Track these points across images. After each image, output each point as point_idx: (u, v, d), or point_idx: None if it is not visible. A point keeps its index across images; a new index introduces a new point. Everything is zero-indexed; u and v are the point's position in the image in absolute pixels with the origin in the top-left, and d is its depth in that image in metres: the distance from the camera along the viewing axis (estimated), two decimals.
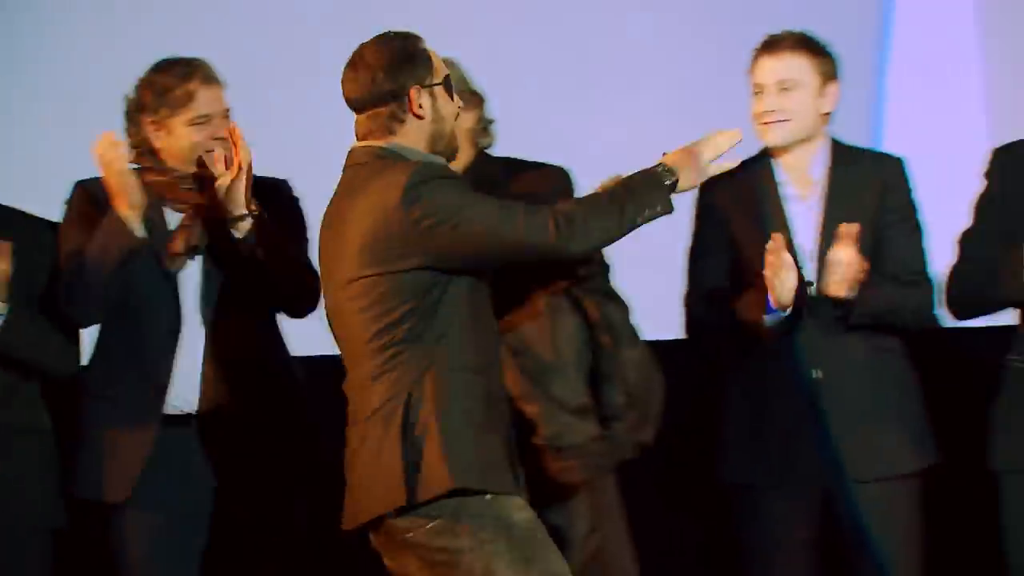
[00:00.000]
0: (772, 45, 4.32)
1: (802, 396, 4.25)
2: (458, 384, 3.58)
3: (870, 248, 4.26)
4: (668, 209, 3.63)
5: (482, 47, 4.54)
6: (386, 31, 3.72)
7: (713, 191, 4.29)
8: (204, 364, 4.11)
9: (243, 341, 4.16)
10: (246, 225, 4.00)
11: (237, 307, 4.14)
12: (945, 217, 4.32)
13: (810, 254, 4.32)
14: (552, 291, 3.97)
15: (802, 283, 4.21)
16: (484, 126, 4.26)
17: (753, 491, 4.33)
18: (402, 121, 3.66)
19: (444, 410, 3.56)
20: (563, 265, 3.88)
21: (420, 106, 3.66)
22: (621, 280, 4.15)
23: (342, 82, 3.70)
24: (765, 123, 4.28)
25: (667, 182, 3.62)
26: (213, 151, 4.04)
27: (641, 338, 4.00)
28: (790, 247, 4.20)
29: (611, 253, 4.01)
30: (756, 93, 4.31)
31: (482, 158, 4.26)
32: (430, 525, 3.55)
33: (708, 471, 4.45)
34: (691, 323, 4.41)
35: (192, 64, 4.13)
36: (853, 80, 4.64)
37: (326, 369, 4.31)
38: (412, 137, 3.70)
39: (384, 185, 3.60)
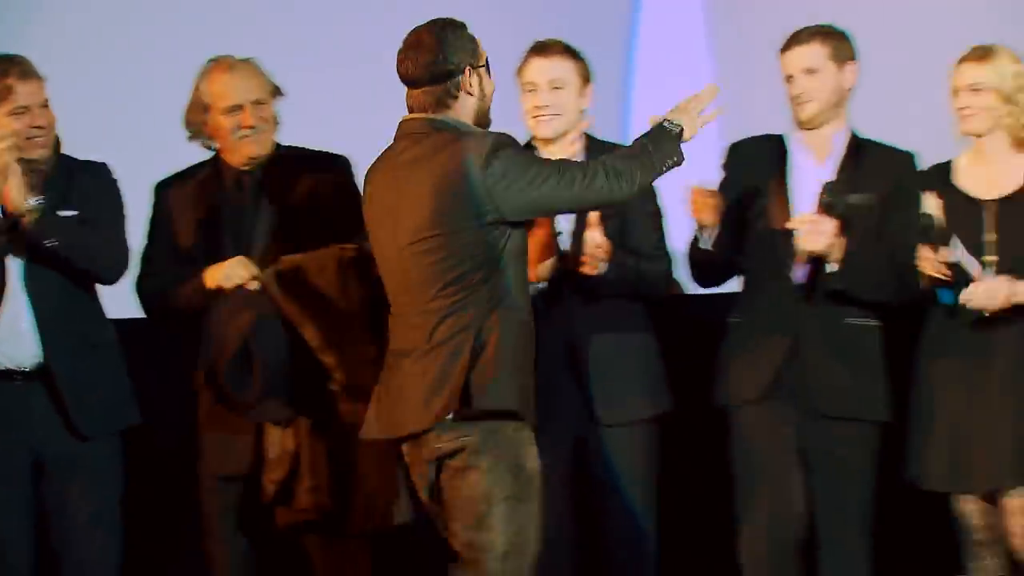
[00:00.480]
0: (543, 49, 4.83)
1: (560, 354, 4.79)
2: (514, 323, 4.13)
3: (618, 230, 4.82)
4: (682, 158, 4.22)
5: None
6: (437, 18, 4.21)
7: None
8: (25, 324, 4.63)
9: (61, 303, 4.66)
10: (29, 218, 4.51)
11: (51, 276, 4.64)
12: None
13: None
14: (342, 252, 4.54)
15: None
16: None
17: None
18: (455, 97, 4.15)
19: (503, 345, 4.09)
20: (350, 230, 4.47)
21: (471, 84, 4.17)
22: None
23: (399, 61, 4.16)
24: (536, 117, 4.77)
25: (677, 133, 4.20)
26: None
27: None
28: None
29: None
30: (529, 91, 4.80)
31: (278, 148, 4.81)
32: (461, 440, 4.07)
33: None
34: None
35: (12, 60, 4.68)
36: (604, 81, 5.09)
37: (138, 329, 4.89)
38: (462, 112, 4.18)
39: (455, 152, 4.07)
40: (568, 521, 4.81)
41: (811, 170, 4.84)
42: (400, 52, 4.19)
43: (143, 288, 4.82)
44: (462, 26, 4.22)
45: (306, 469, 4.56)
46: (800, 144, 4.87)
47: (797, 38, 4.79)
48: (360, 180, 4.44)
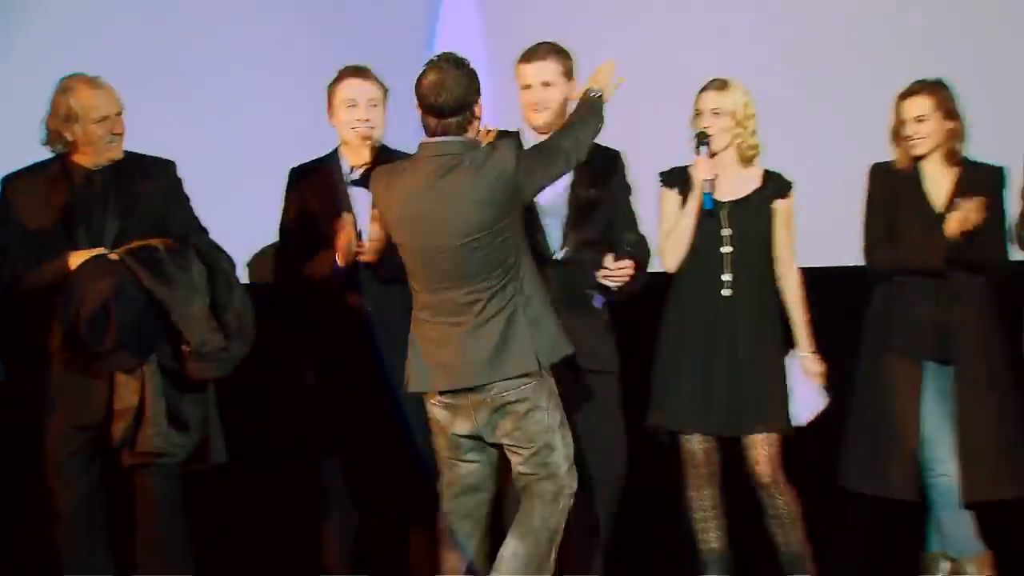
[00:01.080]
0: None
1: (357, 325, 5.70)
2: (539, 292, 5.14)
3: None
4: (603, 123, 5.20)
5: None
6: (453, 54, 5.10)
7: None
8: None
9: None
10: None
11: None
12: None
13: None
14: (176, 245, 5.38)
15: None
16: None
17: None
18: (471, 123, 5.09)
19: (540, 310, 5.10)
20: (182, 225, 5.33)
21: (479, 111, 5.12)
22: None
23: (427, 93, 5.03)
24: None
25: (600, 98, 5.22)
26: None
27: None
28: None
29: None
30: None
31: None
32: (524, 386, 5.07)
33: None
34: None
35: None
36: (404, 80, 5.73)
37: None
38: (471, 132, 5.13)
39: (492, 163, 5.00)
40: None
41: None
42: (428, 85, 5.03)
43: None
44: (470, 63, 5.13)
45: (149, 416, 5.31)
46: None
47: (536, 54, 5.54)
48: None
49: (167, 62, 6.43)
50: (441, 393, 5.11)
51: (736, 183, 5.89)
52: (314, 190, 5.81)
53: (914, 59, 6.28)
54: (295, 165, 5.89)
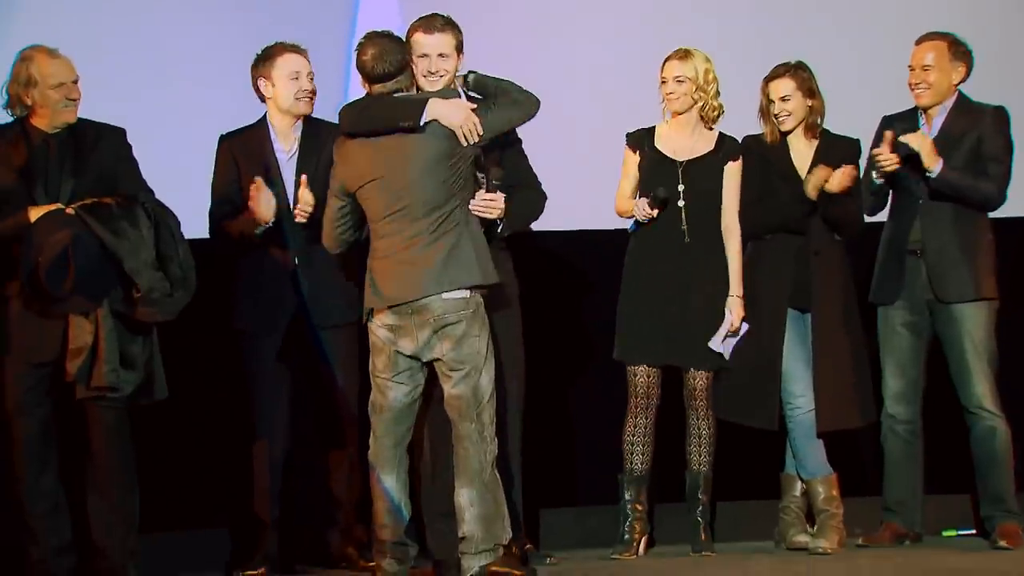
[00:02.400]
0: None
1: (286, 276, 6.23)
2: (476, 220, 5.66)
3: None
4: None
5: None
6: (383, 30, 5.64)
7: None
8: None
9: None
10: None
11: None
12: None
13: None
14: (126, 202, 5.81)
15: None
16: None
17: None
18: (413, 80, 5.67)
19: (479, 235, 5.61)
20: (130, 185, 5.82)
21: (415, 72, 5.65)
22: None
23: (371, 64, 5.59)
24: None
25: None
26: None
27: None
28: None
29: None
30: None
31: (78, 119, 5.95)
32: (463, 311, 5.56)
33: None
34: None
35: None
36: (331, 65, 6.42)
37: None
38: (414, 91, 5.64)
39: None
40: None
41: None
42: (368, 57, 5.61)
43: None
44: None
45: (103, 355, 5.73)
46: None
47: (434, 25, 5.89)
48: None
49: (109, 37, 6.79)
50: (390, 310, 5.60)
51: (694, 143, 6.44)
52: (242, 154, 6.24)
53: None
54: (224, 132, 6.33)
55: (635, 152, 6.49)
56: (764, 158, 6.53)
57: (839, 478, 6.54)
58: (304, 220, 6.14)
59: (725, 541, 6.64)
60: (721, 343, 6.39)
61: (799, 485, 6.58)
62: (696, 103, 6.40)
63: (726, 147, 6.45)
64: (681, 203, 6.38)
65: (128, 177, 5.99)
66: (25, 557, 6.02)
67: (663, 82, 6.42)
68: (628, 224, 6.50)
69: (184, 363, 6.27)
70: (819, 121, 6.53)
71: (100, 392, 5.82)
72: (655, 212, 6.34)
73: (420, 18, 5.92)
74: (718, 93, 6.40)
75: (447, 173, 5.60)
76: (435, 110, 5.59)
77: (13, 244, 5.80)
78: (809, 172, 6.47)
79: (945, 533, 6.90)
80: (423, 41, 5.87)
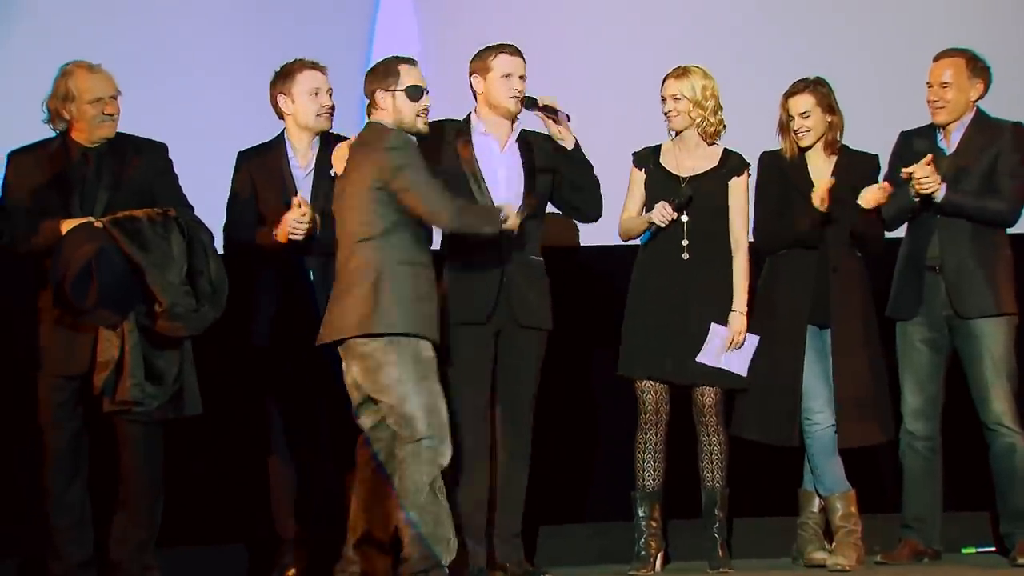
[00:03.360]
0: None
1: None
2: (417, 269, 5.72)
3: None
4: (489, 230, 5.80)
5: None
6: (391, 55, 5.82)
7: None
8: None
9: None
10: None
11: None
12: None
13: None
14: (159, 216, 5.88)
15: None
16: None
17: None
18: (377, 108, 5.78)
19: (407, 283, 5.67)
20: (168, 200, 5.89)
21: (384, 102, 5.77)
22: None
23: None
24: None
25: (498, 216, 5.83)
26: None
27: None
28: None
29: None
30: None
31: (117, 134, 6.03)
32: (373, 344, 5.65)
33: None
34: None
35: None
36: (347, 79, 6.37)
37: None
38: (385, 118, 5.76)
39: (378, 150, 5.70)
40: None
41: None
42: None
43: (0, 233, 5.91)
44: (395, 60, 5.84)
45: (127, 369, 5.78)
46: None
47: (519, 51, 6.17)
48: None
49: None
50: None
51: (696, 159, 6.47)
52: (259, 172, 6.28)
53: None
54: (242, 149, 6.36)
55: (640, 170, 6.53)
56: (783, 173, 6.56)
57: (857, 494, 6.55)
58: (299, 238, 6.15)
59: (741, 557, 6.64)
60: (721, 358, 6.39)
61: (817, 501, 6.59)
62: (694, 121, 6.43)
63: (730, 163, 6.48)
64: (684, 219, 6.40)
65: (166, 192, 6.07)
66: (46, 571, 6.07)
67: (663, 100, 6.47)
68: (638, 241, 6.52)
69: (201, 378, 6.21)
70: (838, 137, 6.55)
71: (125, 406, 5.85)
72: (675, 215, 6.34)
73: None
74: (719, 109, 6.43)
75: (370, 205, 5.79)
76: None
77: (45, 257, 5.88)
78: (834, 193, 6.45)
79: (964, 550, 6.90)
80: (509, 62, 6.15)
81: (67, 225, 5.88)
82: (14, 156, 6.06)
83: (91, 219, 5.89)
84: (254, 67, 6.52)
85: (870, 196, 6.39)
